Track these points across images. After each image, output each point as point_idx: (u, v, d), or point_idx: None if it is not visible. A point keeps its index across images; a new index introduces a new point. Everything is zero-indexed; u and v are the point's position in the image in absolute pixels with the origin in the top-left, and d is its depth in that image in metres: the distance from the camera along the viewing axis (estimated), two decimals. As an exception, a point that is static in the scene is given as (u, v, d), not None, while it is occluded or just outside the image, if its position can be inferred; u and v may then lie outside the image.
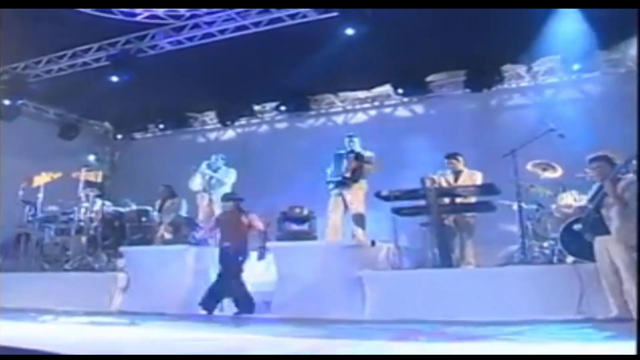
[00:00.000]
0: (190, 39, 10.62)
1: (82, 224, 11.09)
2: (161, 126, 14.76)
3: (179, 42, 10.74)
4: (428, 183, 8.87)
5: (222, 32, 10.43)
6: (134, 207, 11.04)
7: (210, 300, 8.75)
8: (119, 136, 15.34)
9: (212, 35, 10.50)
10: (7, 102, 12.59)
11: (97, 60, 11.44)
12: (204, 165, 10.97)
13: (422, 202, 8.79)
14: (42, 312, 8.63)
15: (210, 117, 14.74)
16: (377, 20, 9.59)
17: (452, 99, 12.85)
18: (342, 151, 9.93)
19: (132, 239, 10.38)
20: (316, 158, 13.12)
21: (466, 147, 10.17)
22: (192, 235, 9.63)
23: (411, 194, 8.93)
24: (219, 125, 14.72)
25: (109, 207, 11.21)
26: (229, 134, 14.73)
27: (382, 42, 10.46)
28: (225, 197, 9.39)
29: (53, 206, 11.56)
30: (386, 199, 8.97)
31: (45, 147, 13.78)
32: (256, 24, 10.18)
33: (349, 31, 9.35)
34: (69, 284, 10.09)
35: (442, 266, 8.44)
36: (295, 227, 9.07)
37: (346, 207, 9.65)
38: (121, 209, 11.15)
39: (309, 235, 8.98)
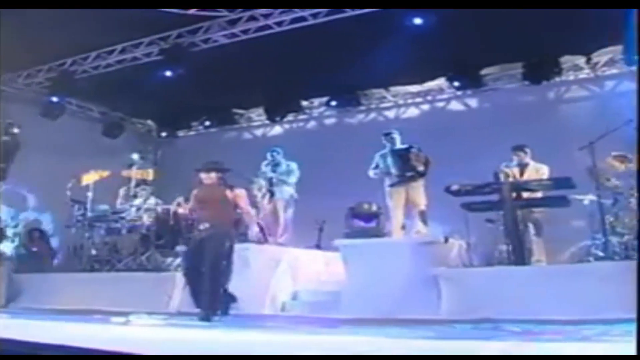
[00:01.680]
0: (245, 31, 10.34)
1: (133, 223, 10.88)
2: (207, 123, 14.56)
3: (233, 35, 10.48)
4: (502, 177, 8.61)
5: (278, 24, 10.14)
6: (187, 205, 10.77)
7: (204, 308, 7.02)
8: (163, 134, 15.14)
9: (268, 27, 10.23)
10: (54, 99, 12.43)
11: (148, 55, 11.24)
12: (263, 168, 10.63)
13: (491, 197, 8.55)
14: (106, 314, 8.39)
15: (257, 113, 14.54)
16: (432, 13, 9.31)
17: (507, 92, 12.54)
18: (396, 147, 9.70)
19: (188, 238, 10.14)
20: (367, 154, 12.99)
21: (523, 140, 9.88)
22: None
23: (483, 189, 8.65)
24: (265, 122, 14.50)
25: (162, 205, 10.96)
26: (276, 130, 14.51)
27: (436, 35, 10.18)
28: (206, 167, 7.54)
29: (103, 205, 11.35)
30: (456, 193, 8.71)
31: (88, 145, 13.63)
32: (314, 15, 9.89)
33: (417, 20, 8.99)
34: (124, 285, 9.90)
35: (516, 263, 8.13)
36: (362, 224, 8.76)
37: (407, 203, 9.41)
38: (175, 207, 10.89)
39: (377, 232, 8.70)
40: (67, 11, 9.94)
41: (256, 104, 14.22)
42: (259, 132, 14.82)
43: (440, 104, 13.08)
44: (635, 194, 8.48)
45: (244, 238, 8.38)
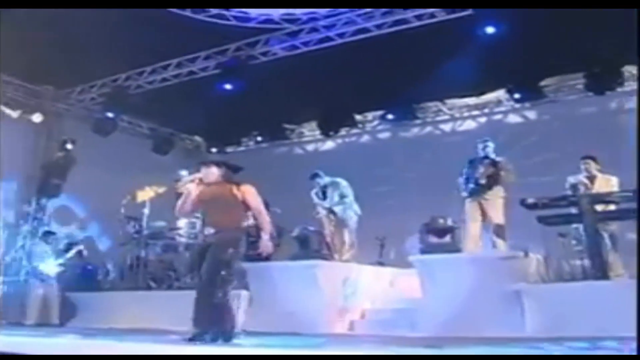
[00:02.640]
0: (305, 43, 10.18)
1: (191, 240, 10.70)
2: (259, 138, 14.42)
3: (294, 47, 10.32)
4: (582, 189, 8.34)
5: (340, 35, 9.97)
6: (250, 221, 10.55)
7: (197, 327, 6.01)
8: (213, 150, 15.01)
9: (329, 39, 10.07)
10: (109, 115, 12.37)
11: (204, 69, 11.14)
12: (315, 198, 10.50)
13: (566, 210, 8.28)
14: (170, 333, 8.18)
15: (310, 128, 14.39)
16: (505, 22, 9.11)
17: (567, 104, 12.26)
18: (476, 157, 9.37)
19: (249, 255, 9.93)
20: (422, 168, 12.81)
21: (586, 152, 9.59)
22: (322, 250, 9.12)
23: (561, 201, 8.36)
24: (318, 137, 14.33)
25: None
26: (328, 145, 14.32)
27: (496, 46, 9.98)
28: (208, 162, 6.58)
29: (159, 221, 11.20)
30: (532, 207, 8.40)
31: (138, 162, 13.53)
32: (379, 27, 9.71)
33: (489, 29, 8.76)
34: (184, 303, 9.66)
35: (596, 278, 7.81)
36: (437, 239, 8.49)
37: (484, 216, 9.10)
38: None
39: (453, 248, 8.43)
40: (121, 26, 9.96)
41: (309, 118, 14.07)
42: (310, 147, 14.66)
43: (498, 117, 12.85)
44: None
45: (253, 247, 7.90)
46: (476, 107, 13.00)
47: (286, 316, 8.82)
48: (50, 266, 10.84)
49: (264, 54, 10.61)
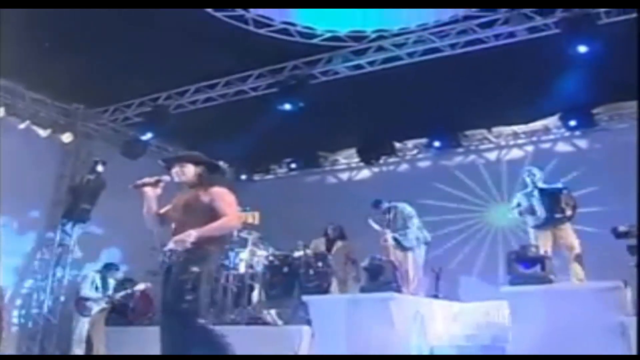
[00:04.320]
0: (371, 63, 9.77)
1: (236, 271, 10.08)
2: (293, 165, 13.89)
3: (357, 67, 9.88)
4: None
5: (410, 55, 9.59)
6: (307, 250, 9.98)
7: None
8: (243, 177, 14.40)
9: (397, 58, 9.66)
10: (140, 137, 11.76)
11: (255, 89, 10.60)
12: (376, 226, 10.09)
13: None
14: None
15: (345, 155, 13.90)
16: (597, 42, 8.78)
17: (619, 132, 11.94)
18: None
19: (308, 287, 9.36)
20: (464, 197, 12.41)
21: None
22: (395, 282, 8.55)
23: (655, 231, 7.98)
24: (352, 165, 13.89)
25: (274, 251, 10.16)
26: (363, 174, 13.85)
27: (547, 72, 9.74)
28: (183, 157, 5.51)
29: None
30: (624, 235, 8.03)
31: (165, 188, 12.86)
32: (452, 46, 9.34)
33: (582, 49, 8.40)
34: (238, 339, 9.00)
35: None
36: (524, 269, 8.01)
37: (555, 246, 8.81)
38: (288, 253, 10.10)
39: (543, 278, 7.95)
40: (166, 41, 9.49)
41: (347, 145, 13.59)
42: (344, 175, 14.15)
43: (546, 145, 12.49)
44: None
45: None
46: (524, 135, 12.64)
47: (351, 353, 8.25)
48: (98, 301, 10.14)
49: (325, 73, 10.10)
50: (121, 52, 9.87)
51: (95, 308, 10.22)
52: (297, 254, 9.98)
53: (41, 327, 10.84)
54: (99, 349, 10.01)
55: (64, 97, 11.72)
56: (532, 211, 9.09)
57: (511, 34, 9.07)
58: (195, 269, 4.86)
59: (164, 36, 9.41)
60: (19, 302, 11.21)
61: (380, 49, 9.70)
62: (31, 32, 9.18)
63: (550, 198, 9.06)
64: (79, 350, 9.82)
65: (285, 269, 9.82)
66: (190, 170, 5.28)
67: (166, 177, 5.41)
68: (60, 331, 10.71)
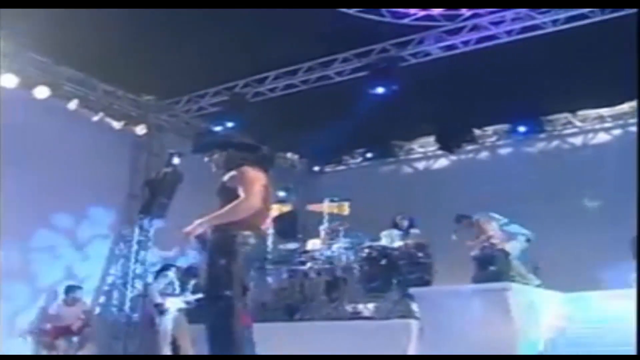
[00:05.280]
0: (465, 43, 9.28)
1: (328, 264, 9.61)
2: (368, 155, 13.44)
3: (450, 48, 9.40)
4: None
5: (508, 33, 9.08)
6: (408, 241, 9.52)
7: None
8: (316, 168, 13.99)
9: (493, 37, 9.15)
10: (213, 128, 11.36)
11: (340, 73, 10.14)
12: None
13: None
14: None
15: (420, 143, 13.39)
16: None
17: None
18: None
19: (409, 279, 8.90)
20: (549, 185, 11.83)
21: None
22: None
23: None
24: (428, 154, 13.39)
25: (369, 242, 9.69)
26: (441, 162, 13.34)
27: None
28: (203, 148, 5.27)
29: (291, 243, 10.12)
30: None
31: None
32: (554, 22, 8.82)
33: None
34: (340, 336, 8.58)
35: None
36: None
37: None
38: (386, 245, 9.62)
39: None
40: (242, 26, 9.07)
41: (422, 133, 13.12)
42: (420, 165, 13.66)
43: (635, 128, 11.87)
44: None
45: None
46: (610, 118, 12.07)
47: (468, 349, 7.76)
48: (176, 302, 9.77)
49: (415, 55, 9.62)
50: (194, 39, 9.49)
51: (173, 307, 9.85)
52: (396, 244, 9.51)
53: (123, 326, 10.50)
54: (187, 349, 9.64)
55: (136, 88, 11.41)
56: None
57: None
58: (222, 261, 4.41)
59: (239, 21, 9.00)
60: (101, 299, 10.94)
61: (475, 28, 9.17)
62: (103, 24, 8.86)
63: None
64: (167, 350, 9.46)
65: (383, 261, 9.34)
66: (218, 157, 4.86)
67: None
68: (142, 330, 10.34)
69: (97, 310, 10.81)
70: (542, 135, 12.51)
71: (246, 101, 10.76)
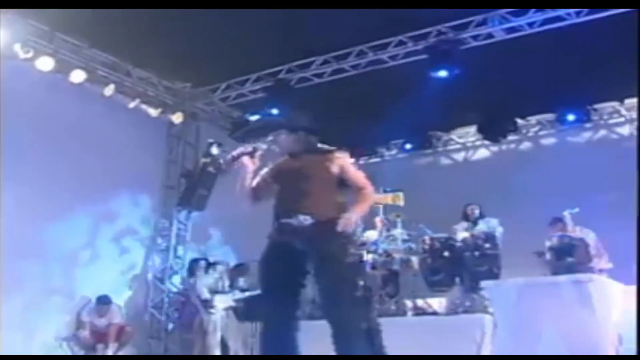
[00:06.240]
0: (530, 24, 8.86)
1: (385, 257, 9.16)
2: (407, 146, 12.98)
3: (513, 30, 8.97)
4: None
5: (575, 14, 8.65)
6: (474, 231, 9.09)
7: None
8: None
9: (559, 19, 8.73)
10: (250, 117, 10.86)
11: (394, 57, 9.70)
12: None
13: None
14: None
15: (459, 134, 13.02)
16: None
17: None
18: None
19: (477, 272, 8.48)
20: (595, 177, 11.44)
21: None
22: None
23: None
24: (469, 144, 13.01)
25: (432, 234, 9.24)
26: (481, 153, 12.94)
27: None
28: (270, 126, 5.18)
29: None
30: None
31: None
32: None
33: None
34: (407, 332, 8.13)
35: None
36: None
37: None
38: (449, 235, 9.18)
39: None
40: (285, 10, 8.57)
41: (461, 123, 12.69)
42: (459, 156, 13.24)
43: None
44: None
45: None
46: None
47: (546, 346, 7.35)
48: (223, 300, 9.26)
49: (475, 37, 9.18)
50: (232, 22, 8.96)
51: (222, 304, 9.36)
52: (460, 235, 9.08)
53: (163, 324, 9.97)
54: (237, 350, 9.18)
55: (171, 75, 10.86)
56: None
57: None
58: (349, 259, 4.28)
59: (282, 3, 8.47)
60: (138, 297, 10.44)
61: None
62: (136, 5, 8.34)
63: None
64: (217, 351, 8.97)
65: (447, 253, 8.90)
66: (286, 138, 4.57)
67: (262, 146, 4.64)
68: (185, 329, 9.79)
69: (134, 309, 10.26)
70: (588, 125, 12.10)
71: (291, 87, 10.24)
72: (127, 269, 10.33)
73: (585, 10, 8.47)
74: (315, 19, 8.82)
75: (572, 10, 8.61)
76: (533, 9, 8.78)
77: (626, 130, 11.99)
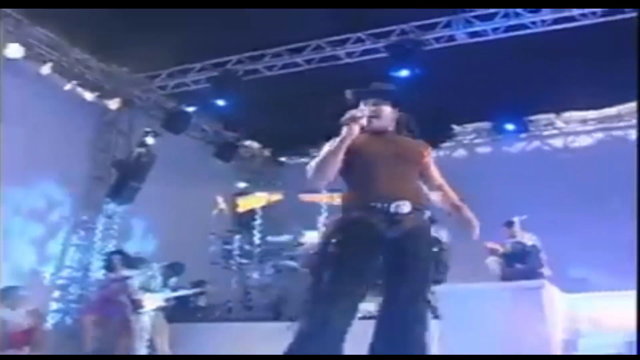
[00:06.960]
0: (495, 30, 8.88)
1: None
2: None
3: (477, 34, 8.98)
4: None
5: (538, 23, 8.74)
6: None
7: None
8: (282, 159, 13.20)
9: (523, 27, 8.80)
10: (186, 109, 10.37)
11: (350, 54, 9.50)
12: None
13: None
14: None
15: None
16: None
17: None
18: None
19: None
20: (526, 187, 11.59)
21: None
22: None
23: None
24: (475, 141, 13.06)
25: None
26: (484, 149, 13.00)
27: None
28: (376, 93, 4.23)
29: (284, 235, 9.35)
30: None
31: (200, 168, 11.57)
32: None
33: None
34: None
35: None
36: None
37: None
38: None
39: None
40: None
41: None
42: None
43: (618, 133, 11.91)
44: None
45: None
46: (594, 121, 12.07)
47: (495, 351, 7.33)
48: (153, 300, 8.69)
49: (438, 39, 9.11)
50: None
51: (150, 305, 8.79)
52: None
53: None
54: (164, 350, 8.65)
55: (111, 59, 10.16)
56: None
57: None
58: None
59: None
60: (56, 293, 9.62)
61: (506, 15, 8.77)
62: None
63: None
64: (144, 351, 8.41)
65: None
66: (386, 113, 4.10)
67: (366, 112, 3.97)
68: (112, 328, 9.10)
69: (53, 306, 9.52)
70: (523, 136, 12.37)
71: (239, 79, 9.81)
72: (45, 263, 9.57)
73: (549, 19, 8.56)
74: (271, 10, 8.52)
75: (537, 18, 8.68)
76: (500, 14, 8.81)
77: (559, 142, 12.32)
